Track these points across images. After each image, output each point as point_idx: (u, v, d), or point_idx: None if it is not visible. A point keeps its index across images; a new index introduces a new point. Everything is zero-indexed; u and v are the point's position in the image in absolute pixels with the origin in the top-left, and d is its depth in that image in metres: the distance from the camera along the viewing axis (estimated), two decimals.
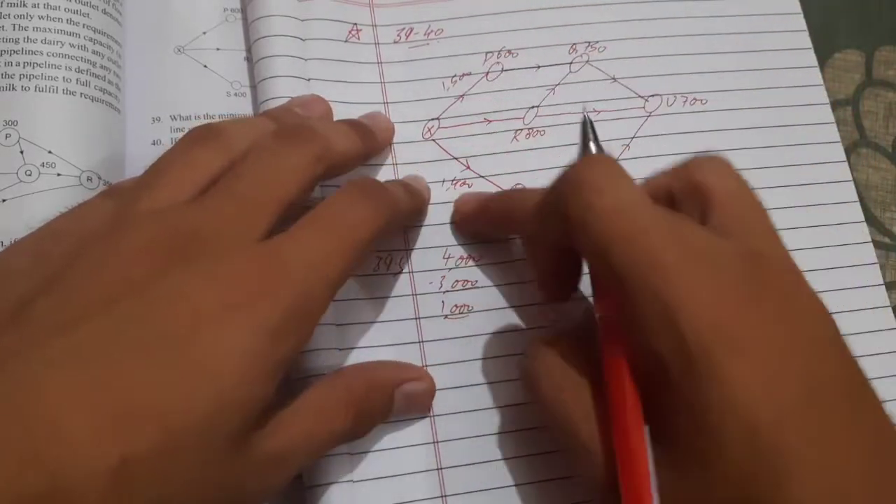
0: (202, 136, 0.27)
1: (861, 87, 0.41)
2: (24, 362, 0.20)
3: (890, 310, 0.36)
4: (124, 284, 0.22)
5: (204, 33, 0.36)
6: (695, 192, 0.28)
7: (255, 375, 0.22)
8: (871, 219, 0.38)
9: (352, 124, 0.32)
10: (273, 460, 0.24)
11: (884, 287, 0.36)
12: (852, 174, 0.38)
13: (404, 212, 0.32)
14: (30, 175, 0.30)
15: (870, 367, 0.34)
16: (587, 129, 0.30)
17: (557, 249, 0.29)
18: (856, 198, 0.37)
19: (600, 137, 0.36)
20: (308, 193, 0.28)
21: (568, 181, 0.26)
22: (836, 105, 0.40)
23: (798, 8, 0.41)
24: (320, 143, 0.28)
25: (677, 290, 0.24)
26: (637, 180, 0.27)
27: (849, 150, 0.39)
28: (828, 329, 0.25)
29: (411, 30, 0.38)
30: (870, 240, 0.37)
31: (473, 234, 0.35)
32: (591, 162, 0.28)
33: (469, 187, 0.35)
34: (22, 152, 0.30)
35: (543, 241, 0.29)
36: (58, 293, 0.22)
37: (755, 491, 0.22)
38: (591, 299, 0.31)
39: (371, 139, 0.33)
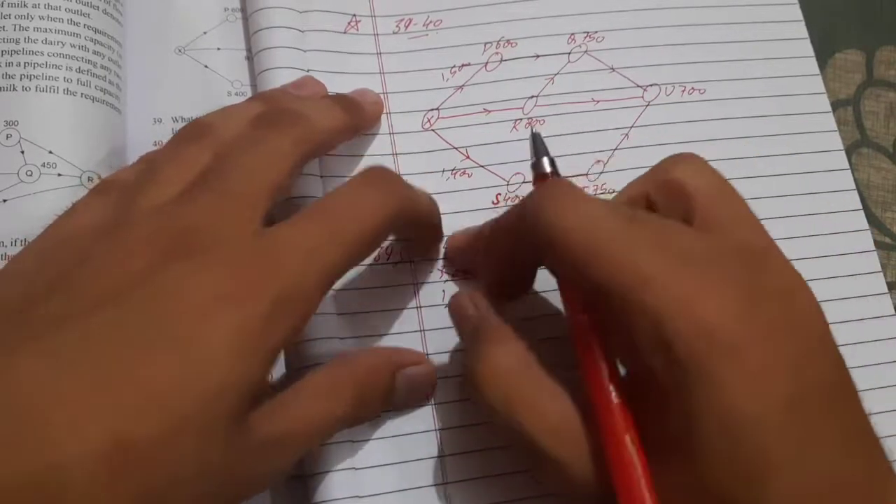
0: (192, 134, 0.28)
1: (862, 87, 0.41)
2: (18, 356, 0.21)
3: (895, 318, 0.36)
4: (125, 280, 0.22)
5: (205, 33, 0.36)
6: (673, 192, 0.27)
7: (247, 359, 0.22)
8: (871, 219, 0.38)
9: (336, 99, 0.32)
10: (273, 443, 0.24)
11: (888, 296, 0.36)
12: (853, 174, 0.38)
13: (421, 209, 0.31)
14: (31, 175, 0.30)
15: (876, 376, 0.34)
16: (538, 144, 0.30)
17: (517, 263, 0.29)
18: (859, 205, 0.37)
19: (600, 127, 0.36)
20: (297, 174, 0.28)
21: (529, 212, 0.26)
22: (836, 105, 0.40)
23: None
24: (302, 124, 0.28)
25: (664, 302, 0.23)
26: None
27: (850, 150, 0.39)
28: (820, 325, 0.25)
29: (410, 20, 0.38)
30: (873, 248, 0.36)
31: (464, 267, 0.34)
32: (547, 187, 0.28)
33: (469, 177, 0.35)
34: (23, 152, 0.30)
35: (509, 256, 0.30)
36: (62, 291, 0.23)
37: (734, 492, 0.22)
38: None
39: (357, 111, 0.33)
